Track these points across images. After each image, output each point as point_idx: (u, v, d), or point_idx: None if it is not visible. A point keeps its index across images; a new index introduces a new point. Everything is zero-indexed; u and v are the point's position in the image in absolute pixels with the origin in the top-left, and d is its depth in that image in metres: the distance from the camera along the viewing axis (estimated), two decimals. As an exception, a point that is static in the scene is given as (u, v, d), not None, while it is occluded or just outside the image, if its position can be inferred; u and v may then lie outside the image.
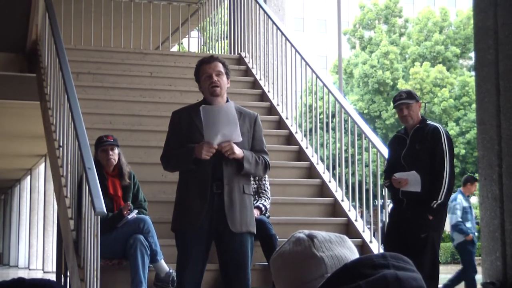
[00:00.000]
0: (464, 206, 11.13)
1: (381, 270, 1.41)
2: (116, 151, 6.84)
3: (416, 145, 6.36)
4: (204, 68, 5.34)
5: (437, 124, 6.51)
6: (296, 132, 9.05)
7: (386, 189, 7.12)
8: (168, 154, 5.35)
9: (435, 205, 6.15)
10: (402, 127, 6.73)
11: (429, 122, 6.52)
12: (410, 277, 1.42)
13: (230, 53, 11.15)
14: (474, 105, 34.91)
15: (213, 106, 5.20)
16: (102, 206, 5.83)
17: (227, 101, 5.39)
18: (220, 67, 5.34)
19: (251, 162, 5.21)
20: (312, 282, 1.57)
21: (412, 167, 6.27)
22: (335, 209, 8.03)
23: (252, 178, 7.01)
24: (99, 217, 5.89)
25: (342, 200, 8.02)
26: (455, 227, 11.06)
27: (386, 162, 6.90)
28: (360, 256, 1.50)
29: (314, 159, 8.61)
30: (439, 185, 6.17)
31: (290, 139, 9.06)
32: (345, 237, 1.67)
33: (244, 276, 5.14)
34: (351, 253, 1.63)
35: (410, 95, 6.54)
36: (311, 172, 8.55)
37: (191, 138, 5.19)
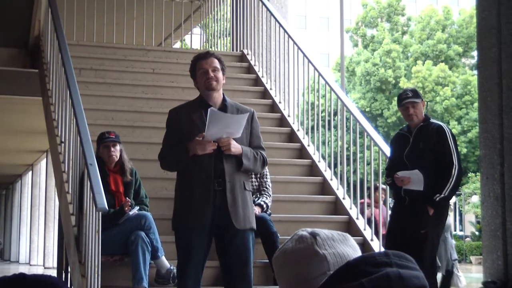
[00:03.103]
0: None
1: (383, 268, 1.41)
2: (118, 147, 6.84)
3: (419, 143, 6.34)
4: (200, 63, 5.33)
5: (441, 123, 6.52)
6: (298, 130, 9.05)
7: (387, 187, 7.11)
8: (165, 153, 5.32)
9: (437, 199, 6.14)
10: (405, 125, 6.73)
11: (432, 120, 6.53)
12: (413, 276, 1.42)
13: (233, 50, 11.15)
14: (476, 104, 34.90)
15: (224, 113, 5.14)
16: (103, 202, 5.84)
17: (224, 97, 5.38)
18: (216, 63, 5.33)
19: (250, 158, 5.20)
20: (314, 280, 1.57)
21: (415, 165, 6.26)
22: (337, 207, 8.03)
23: (253, 176, 7.01)
24: (100, 213, 5.90)
25: (344, 198, 8.01)
26: None
27: (388, 160, 6.89)
28: (362, 254, 1.50)
29: (316, 157, 8.61)
30: (446, 182, 6.16)
31: (292, 136, 9.06)
32: (348, 235, 1.67)
33: (247, 272, 5.14)
34: (354, 251, 1.64)
35: (415, 93, 6.53)
36: (313, 170, 8.55)
37: (190, 136, 5.16)
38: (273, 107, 9.60)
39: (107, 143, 6.80)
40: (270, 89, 9.83)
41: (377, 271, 1.40)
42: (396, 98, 7.03)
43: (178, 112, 5.33)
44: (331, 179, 8.28)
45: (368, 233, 7.58)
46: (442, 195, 6.15)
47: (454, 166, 6.20)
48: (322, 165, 8.49)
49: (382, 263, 1.43)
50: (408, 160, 6.34)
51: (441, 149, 6.27)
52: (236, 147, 5.12)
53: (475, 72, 37.54)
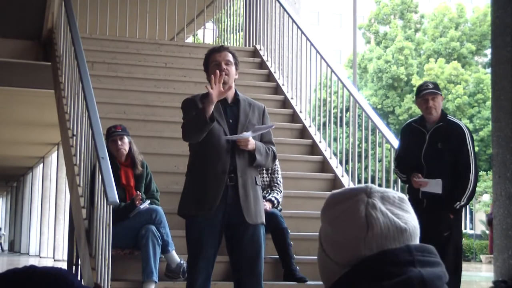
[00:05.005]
0: None
1: (405, 268, 1.37)
2: (126, 140, 6.81)
3: (438, 144, 6.15)
4: (213, 56, 5.32)
5: (459, 122, 6.33)
6: (310, 126, 9.03)
7: (398, 184, 7.03)
8: (185, 122, 5.22)
9: (457, 207, 6.04)
10: (419, 115, 6.47)
11: (450, 118, 6.32)
12: (435, 277, 1.38)
13: (245, 45, 11.14)
14: (488, 103, 34.77)
15: (264, 126, 5.28)
16: (114, 195, 5.84)
17: (236, 92, 5.37)
18: (230, 56, 5.32)
19: (262, 153, 5.20)
20: (350, 242, 1.45)
21: (433, 167, 6.09)
22: (347, 203, 7.99)
23: (265, 171, 7.01)
24: (111, 206, 5.90)
25: (355, 195, 7.97)
26: None
27: (397, 150, 6.63)
28: (383, 250, 1.42)
29: (327, 153, 8.59)
30: (464, 188, 6.04)
31: (303, 133, 9.05)
32: (405, 198, 1.51)
33: (258, 267, 5.13)
34: (409, 215, 1.48)
35: (436, 86, 6.32)
36: (324, 166, 8.53)
37: None
38: (285, 103, 9.59)
39: (114, 137, 6.78)
40: (282, 85, 9.82)
41: (399, 271, 1.36)
42: (407, 95, 6.87)
43: (194, 101, 5.32)
44: (342, 176, 8.26)
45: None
46: (462, 203, 6.05)
47: (471, 171, 6.04)
48: (333, 162, 8.47)
49: (404, 262, 1.38)
50: (426, 162, 6.16)
51: (459, 151, 6.13)
52: (252, 144, 5.13)
53: (488, 70, 37.42)
